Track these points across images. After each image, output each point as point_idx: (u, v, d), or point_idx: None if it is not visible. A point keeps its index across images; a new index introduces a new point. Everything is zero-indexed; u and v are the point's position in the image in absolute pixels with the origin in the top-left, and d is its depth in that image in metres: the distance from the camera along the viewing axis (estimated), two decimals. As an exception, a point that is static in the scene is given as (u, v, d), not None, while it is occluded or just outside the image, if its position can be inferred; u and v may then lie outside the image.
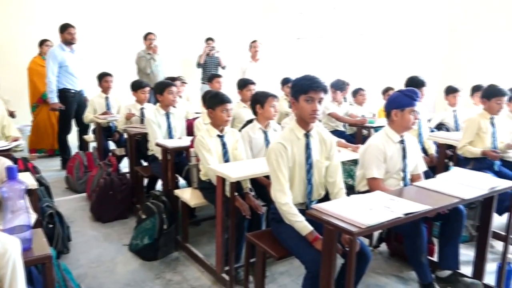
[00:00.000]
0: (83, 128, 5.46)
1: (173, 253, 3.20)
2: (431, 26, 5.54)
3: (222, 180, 2.58)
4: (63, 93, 5.23)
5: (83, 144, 5.41)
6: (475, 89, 4.59)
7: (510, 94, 3.48)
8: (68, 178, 4.71)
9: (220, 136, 2.97)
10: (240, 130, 3.28)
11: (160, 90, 3.72)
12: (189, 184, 3.35)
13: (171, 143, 3.35)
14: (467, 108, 4.58)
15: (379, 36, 6.27)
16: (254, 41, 6.44)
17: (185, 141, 3.41)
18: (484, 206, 2.51)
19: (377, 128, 4.68)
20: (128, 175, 4.18)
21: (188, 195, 3.16)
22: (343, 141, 3.51)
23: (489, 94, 3.45)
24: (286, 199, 2.14)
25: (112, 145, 5.09)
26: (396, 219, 1.81)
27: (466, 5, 5.19)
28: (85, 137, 5.38)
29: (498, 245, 3.21)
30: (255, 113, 3.24)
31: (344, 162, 3.84)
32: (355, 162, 3.23)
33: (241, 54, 6.98)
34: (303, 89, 2.13)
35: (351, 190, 2.92)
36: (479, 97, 4.17)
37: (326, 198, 2.37)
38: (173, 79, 4.75)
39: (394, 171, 2.58)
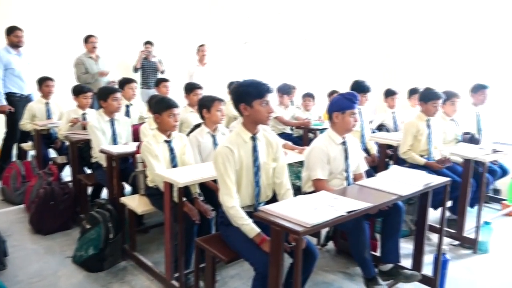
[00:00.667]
0: (22, 136, 5.14)
1: (120, 263, 3.11)
2: (372, 31, 5.81)
3: (169, 185, 2.55)
4: (9, 97, 4.99)
5: (21, 153, 5.10)
6: (412, 91, 4.87)
7: (445, 97, 3.72)
8: (4, 189, 4.43)
9: (168, 142, 2.94)
10: (188, 135, 3.26)
11: (104, 97, 3.60)
12: (136, 191, 3.27)
13: (116, 149, 3.26)
14: (405, 110, 4.86)
15: (323, 40, 6.48)
16: (202, 45, 6.44)
17: (131, 147, 3.32)
18: (420, 202, 2.67)
19: (322, 130, 4.84)
20: (70, 184, 4.00)
21: (135, 202, 3.08)
22: (289, 143, 3.61)
23: (426, 97, 3.67)
24: (233, 202, 2.16)
25: (53, 153, 4.85)
26: (339, 217, 1.88)
27: (403, 11, 5.50)
28: (23, 145, 5.07)
29: (435, 238, 3.42)
30: (202, 117, 3.23)
31: (292, 164, 3.93)
32: (302, 163, 3.32)
33: (188, 58, 6.93)
34: (259, 93, 2.18)
35: (299, 191, 2.99)
36: (415, 99, 4.46)
37: (273, 199, 2.41)
38: (130, 80, 4.64)
39: (338, 172, 2.69)
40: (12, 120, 5.06)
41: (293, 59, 7.09)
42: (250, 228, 2.12)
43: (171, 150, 2.94)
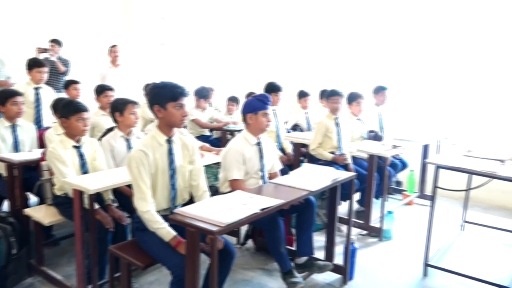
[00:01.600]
0: None
1: (26, 280, 2.88)
2: (285, 34, 6.04)
3: (79, 193, 2.42)
4: None
5: None
6: (323, 93, 5.16)
7: (342, 94, 3.96)
8: None
9: (77, 147, 2.78)
10: (99, 139, 3.12)
11: (2, 101, 3.29)
12: (43, 201, 3.05)
13: (17, 157, 3.00)
14: (318, 110, 5.13)
15: (241, 42, 6.59)
16: (114, 46, 6.12)
17: (35, 154, 3.09)
18: (330, 196, 2.84)
19: (238, 131, 4.93)
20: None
21: (41, 213, 2.87)
22: (207, 145, 3.63)
23: (326, 95, 3.96)
24: (147, 206, 2.12)
25: None
26: (253, 215, 1.94)
27: (313, 15, 5.80)
28: None
29: (346, 229, 3.66)
30: (115, 121, 3.12)
31: (211, 165, 3.96)
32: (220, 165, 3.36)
33: (100, 59, 6.60)
34: (173, 96, 2.16)
35: (218, 192, 3.03)
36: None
37: (191, 202, 2.40)
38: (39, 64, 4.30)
39: (253, 172, 2.76)
40: None
41: (212, 61, 7.11)
42: (166, 231, 2.10)
43: (81, 156, 2.78)
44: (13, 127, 3.37)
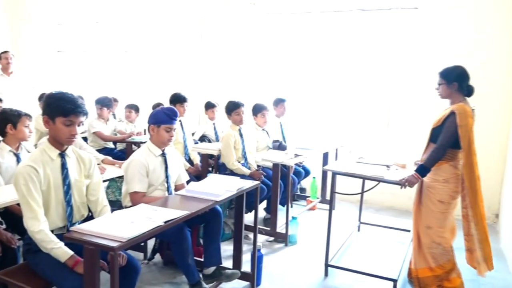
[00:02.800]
0: None
1: None
2: (192, 45, 6.06)
3: (-43, 215, 2.16)
4: None
5: None
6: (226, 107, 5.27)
7: (242, 104, 4.09)
8: None
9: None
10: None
11: None
12: None
13: None
14: (225, 121, 5.21)
15: (144, 52, 6.44)
16: (5, 52, 5.58)
17: None
18: (236, 204, 2.90)
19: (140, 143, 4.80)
20: None
21: None
22: (109, 158, 3.49)
23: (229, 110, 4.07)
24: (39, 226, 1.97)
25: None
26: (156, 228, 1.91)
27: (218, 29, 5.91)
28: None
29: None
30: (2, 133, 2.83)
31: (115, 179, 3.80)
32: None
33: None
34: (63, 111, 2.03)
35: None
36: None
37: (90, 218, 2.28)
38: None
39: (158, 183, 2.72)
40: None
41: (115, 70, 6.83)
42: (62, 251, 1.96)
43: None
44: None
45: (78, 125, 2.12)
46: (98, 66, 6.96)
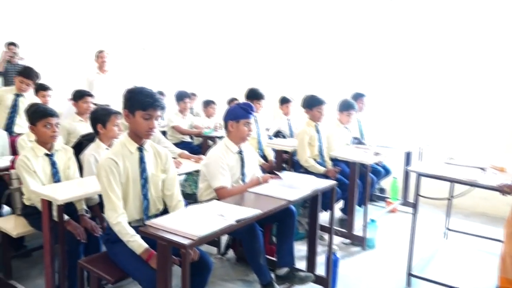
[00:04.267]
0: None
1: (-8, 294, 2.73)
2: (269, 39, 6.00)
3: (48, 203, 2.30)
4: None
5: None
6: (304, 101, 5.12)
7: (325, 102, 3.90)
8: None
9: (49, 155, 2.66)
10: (74, 147, 3.00)
11: None
12: (13, 210, 2.91)
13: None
14: (300, 116, 5.08)
15: (222, 48, 6.53)
16: (101, 51, 5.94)
17: (3, 161, 2.94)
18: (310, 205, 2.78)
19: (215, 138, 4.84)
20: None
21: (10, 224, 2.74)
22: (186, 152, 3.53)
23: (310, 104, 3.87)
24: (118, 218, 2.02)
25: None
26: (228, 227, 1.86)
27: (295, 20, 5.78)
28: None
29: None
30: (96, 132, 2.97)
31: (192, 172, 3.86)
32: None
33: (87, 64, 6.44)
34: (142, 105, 2.06)
35: None
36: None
37: (166, 212, 2.31)
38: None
39: (234, 180, 2.69)
40: None
41: (194, 66, 7.02)
42: (137, 244, 2.00)
43: (53, 164, 2.66)
44: (-17, 133, 3.23)
45: (156, 119, 2.14)
46: (179, 62, 7.20)
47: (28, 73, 4.12)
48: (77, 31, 7.26)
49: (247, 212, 2.01)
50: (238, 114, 2.68)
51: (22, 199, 2.72)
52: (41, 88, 4.56)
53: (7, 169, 2.89)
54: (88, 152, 2.89)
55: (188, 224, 1.82)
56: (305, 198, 2.46)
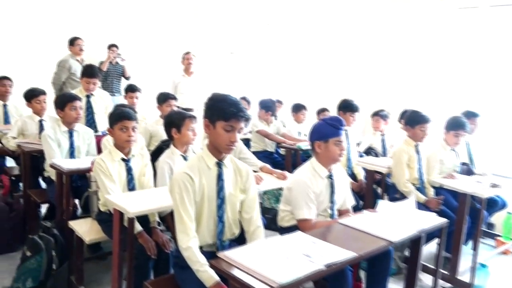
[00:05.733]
0: None
1: (63, 298, 2.68)
2: (364, 47, 5.52)
3: (120, 213, 2.15)
4: None
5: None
6: (404, 114, 4.58)
7: (430, 121, 3.37)
8: (-49, 199, 3.95)
9: (125, 160, 2.54)
10: (153, 153, 2.87)
11: (61, 105, 3.16)
12: (89, 213, 2.85)
13: (67, 165, 2.83)
14: (395, 132, 4.54)
15: (313, 55, 6.17)
16: (187, 53, 5.90)
17: (85, 162, 2.89)
18: (412, 245, 2.30)
19: (307, 151, 4.48)
20: (22, 199, 3.55)
21: (85, 227, 2.66)
22: (268, 166, 3.19)
23: (413, 121, 3.36)
24: (188, 242, 1.78)
25: (11, 162, 4.40)
26: (315, 272, 1.51)
27: (396, 29, 5.23)
28: (-22, 151, 4.61)
29: (425, 278, 3.06)
30: (170, 137, 2.81)
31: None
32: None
33: (166, 65, 6.55)
34: (224, 115, 1.81)
35: None
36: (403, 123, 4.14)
37: (241, 237, 2.03)
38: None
39: (321, 209, 2.31)
40: None
41: (281, 72, 6.77)
42: (208, 275, 1.73)
43: (129, 170, 2.54)
44: (70, 133, 3.25)
45: (239, 132, 1.87)
46: (267, 67, 7.00)
47: (91, 73, 4.12)
48: (167, 34, 7.46)
49: (339, 254, 1.64)
50: (326, 132, 2.29)
51: (98, 203, 2.63)
52: (129, 89, 4.60)
53: (88, 170, 2.84)
54: (162, 159, 2.72)
55: (267, 264, 1.51)
56: (409, 239, 2.01)
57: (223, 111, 1.82)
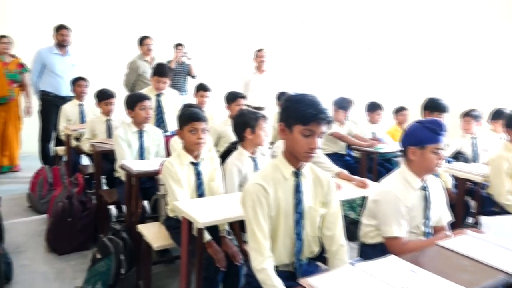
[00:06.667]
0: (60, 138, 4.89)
1: (131, 304, 2.61)
2: (446, 41, 5.00)
3: (188, 221, 2.01)
4: (42, 96, 4.97)
5: (56, 157, 4.85)
6: (496, 114, 4.05)
7: None
8: (30, 195, 4.14)
9: (195, 164, 2.40)
10: (223, 155, 2.72)
11: (131, 105, 3.14)
12: (158, 216, 2.77)
13: (137, 166, 2.76)
14: (487, 135, 4.03)
15: (387, 50, 5.74)
16: (260, 50, 5.73)
17: (155, 164, 2.81)
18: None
19: (385, 154, 4.12)
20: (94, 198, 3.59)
21: (153, 232, 2.57)
22: (345, 172, 2.91)
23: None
24: (263, 263, 1.57)
25: (86, 160, 4.54)
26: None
27: (484, 22, 4.66)
28: (57, 149, 4.83)
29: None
30: (240, 137, 2.63)
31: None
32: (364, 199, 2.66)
33: (244, 64, 6.44)
34: (302, 118, 1.59)
35: (354, 225, 2.38)
36: (501, 124, 3.62)
37: (321, 255, 1.80)
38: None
39: (413, 225, 1.99)
40: (43, 120, 5.00)
41: (352, 69, 6.39)
42: (285, 302, 1.52)
43: (198, 174, 2.40)
44: (140, 133, 3.21)
45: (320, 137, 1.64)
46: (337, 64, 6.66)
47: (161, 71, 4.06)
48: (234, 32, 7.38)
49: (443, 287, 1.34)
50: (424, 137, 1.95)
51: (165, 208, 2.53)
52: (201, 88, 4.54)
53: (157, 172, 2.75)
54: (231, 161, 2.56)
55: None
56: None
57: (301, 113, 1.59)
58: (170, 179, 2.32)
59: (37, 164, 4.73)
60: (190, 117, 2.35)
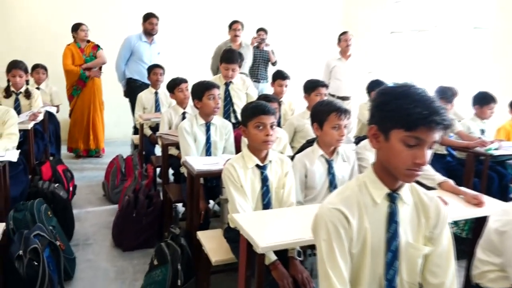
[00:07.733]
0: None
1: (188, 319, 2.34)
2: None
3: (248, 242, 1.64)
4: (129, 83, 5.00)
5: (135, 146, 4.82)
6: None
7: None
8: (104, 185, 4.12)
9: (260, 167, 2.01)
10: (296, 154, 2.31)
11: (199, 94, 2.81)
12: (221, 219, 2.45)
13: (198, 165, 2.44)
14: None
15: (501, 29, 4.79)
16: (344, 33, 5.13)
17: (218, 162, 2.47)
18: None
19: (499, 157, 3.36)
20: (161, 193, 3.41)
21: (213, 243, 2.24)
22: (451, 181, 2.24)
23: None
24: None
25: (159, 151, 4.41)
26: None
27: None
28: (133, 137, 4.79)
29: None
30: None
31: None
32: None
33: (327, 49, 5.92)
34: (407, 119, 1.11)
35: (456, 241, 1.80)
36: None
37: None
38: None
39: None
40: (132, 108, 4.93)
41: (455, 53, 5.50)
42: None
43: (264, 180, 2.00)
44: (207, 126, 2.89)
45: (430, 147, 1.14)
46: (437, 48, 5.79)
47: (230, 57, 3.68)
48: (319, 12, 6.84)
49: None
50: None
51: (227, 216, 2.18)
52: (279, 76, 4.10)
53: (220, 172, 2.42)
54: (299, 157, 2.20)
55: None
56: None
57: (404, 113, 1.10)
58: (231, 184, 1.96)
59: (118, 151, 4.72)
60: (255, 110, 1.96)
